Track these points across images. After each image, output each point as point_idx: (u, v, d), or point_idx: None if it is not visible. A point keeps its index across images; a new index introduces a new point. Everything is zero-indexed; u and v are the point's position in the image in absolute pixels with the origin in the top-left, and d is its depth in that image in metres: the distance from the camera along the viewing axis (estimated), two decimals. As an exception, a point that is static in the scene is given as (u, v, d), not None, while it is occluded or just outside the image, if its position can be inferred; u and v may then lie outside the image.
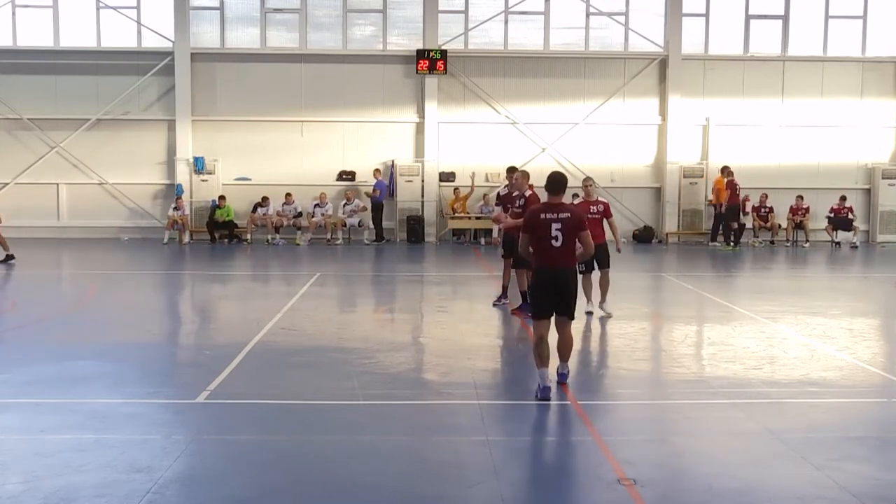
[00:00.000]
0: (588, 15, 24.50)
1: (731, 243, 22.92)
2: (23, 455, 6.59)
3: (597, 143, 24.43)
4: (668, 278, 17.25)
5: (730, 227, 23.12)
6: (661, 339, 11.89)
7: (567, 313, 8.16)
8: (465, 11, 24.39)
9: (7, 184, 24.12)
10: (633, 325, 12.41)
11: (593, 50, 24.61)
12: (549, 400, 7.89)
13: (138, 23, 24.15)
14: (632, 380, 9.28)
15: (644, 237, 23.95)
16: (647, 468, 6.41)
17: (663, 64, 24.41)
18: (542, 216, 8.05)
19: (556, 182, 8.20)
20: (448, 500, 5.87)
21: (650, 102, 24.58)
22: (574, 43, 24.67)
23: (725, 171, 23.02)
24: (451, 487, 6.05)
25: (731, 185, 22.77)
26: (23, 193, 24.01)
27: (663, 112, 24.50)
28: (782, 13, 24.64)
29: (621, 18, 24.50)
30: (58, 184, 24.26)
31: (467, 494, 5.89)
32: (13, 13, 24.07)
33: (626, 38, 24.62)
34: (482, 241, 23.57)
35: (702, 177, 24.25)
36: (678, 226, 24.42)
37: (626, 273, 17.99)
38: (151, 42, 24.19)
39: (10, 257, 18.45)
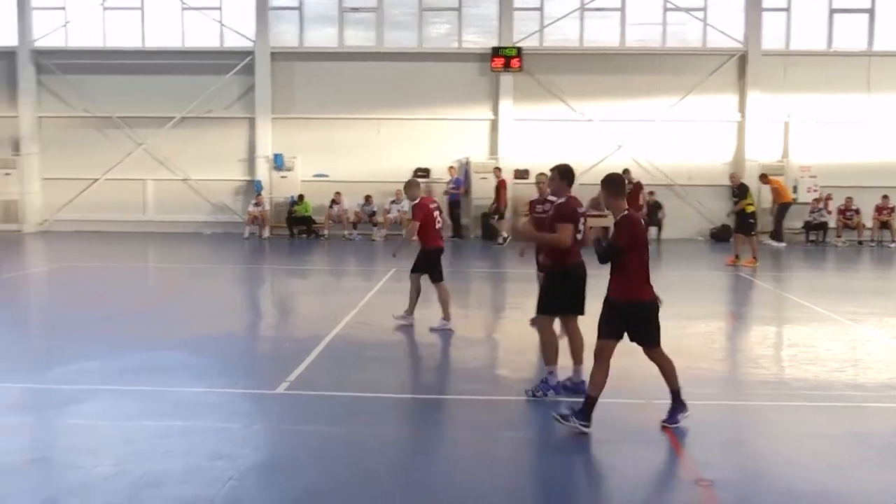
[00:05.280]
0: (665, 10, 24.16)
1: None
2: (112, 440, 6.79)
3: (673, 141, 24.08)
4: (746, 277, 16.90)
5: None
6: (738, 339, 11.67)
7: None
8: (541, 8, 24.28)
9: (97, 179, 24.89)
10: (711, 324, 12.19)
11: (670, 46, 24.27)
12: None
13: (221, 23, 24.67)
14: (709, 380, 9.11)
15: (722, 236, 23.49)
16: (725, 470, 6.29)
17: (742, 60, 23.93)
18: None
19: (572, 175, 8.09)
20: (520, 495, 5.86)
21: (728, 99, 24.12)
22: (651, 39, 24.36)
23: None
24: (523, 483, 6.04)
25: (639, 187, 22.01)
26: (111, 189, 24.78)
27: (742, 109, 24.02)
28: (868, 7, 23.92)
29: (700, 14, 24.10)
30: (144, 180, 24.95)
31: (539, 491, 5.87)
32: (103, 15, 24.82)
33: (705, 34, 24.20)
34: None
35: (782, 175, 23.67)
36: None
37: (704, 272, 17.72)
38: (233, 42, 24.69)
39: None
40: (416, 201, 11.53)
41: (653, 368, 9.13)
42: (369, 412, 7.75)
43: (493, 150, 24.34)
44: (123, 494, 5.65)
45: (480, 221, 23.99)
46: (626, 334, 7.02)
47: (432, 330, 11.16)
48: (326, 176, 24.41)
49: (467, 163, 24.19)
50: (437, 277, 11.36)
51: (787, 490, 5.92)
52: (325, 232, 23.83)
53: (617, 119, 24.11)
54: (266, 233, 23.87)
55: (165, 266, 19.34)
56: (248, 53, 24.41)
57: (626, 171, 21.69)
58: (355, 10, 24.66)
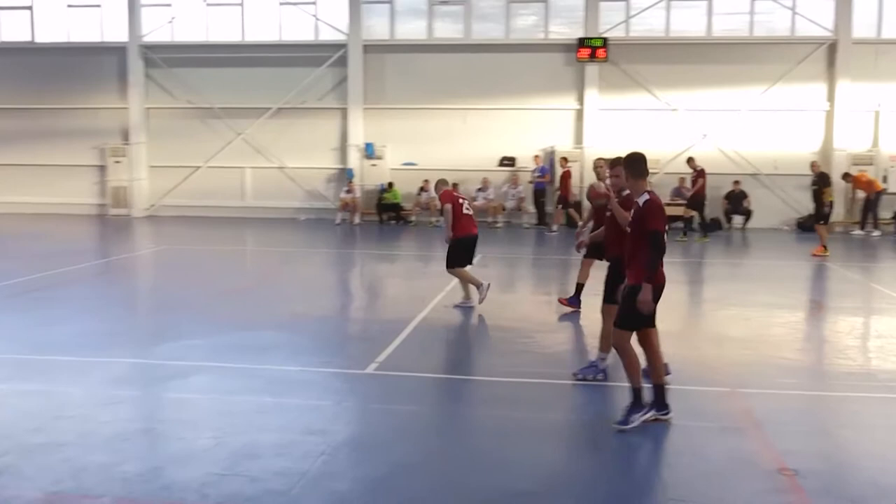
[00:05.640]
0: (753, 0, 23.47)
1: (704, 234, 21.09)
2: (212, 413, 6.99)
3: (759, 130, 23.42)
4: (833, 267, 16.35)
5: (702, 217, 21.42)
6: (824, 329, 11.31)
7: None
8: (627, -1, 23.89)
9: (199, 167, 25.55)
10: (796, 314, 11.86)
11: (758, 35, 23.58)
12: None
13: (315, 17, 24.98)
14: (793, 370, 8.85)
15: (808, 225, 22.73)
16: (809, 459, 6.11)
17: (832, 48, 23.08)
18: None
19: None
20: (602, 479, 5.81)
21: (817, 88, 23.30)
22: (738, 28, 23.70)
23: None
24: (604, 467, 5.99)
25: (703, 174, 20.98)
26: (212, 176, 25.41)
27: (831, 98, 23.18)
28: (964, -7, 22.80)
29: (788, 2, 23.31)
30: (243, 167, 25.50)
31: (622, 474, 5.81)
32: (206, 11, 25.39)
33: (793, 23, 23.42)
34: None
35: (871, 164, 22.78)
36: (843, 214, 23.04)
37: (790, 261, 17.23)
38: (327, 35, 24.97)
39: None
40: (440, 193, 11.94)
41: (735, 356, 8.96)
42: (454, 393, 7.78)
43: (578, 139, 24.08)
44: (223, 465, 5.80)
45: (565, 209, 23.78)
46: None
47: (455, 307, 11.52)
48: (415, 164, 24.53)
49: (552, 151, 24.00)
50: (459, 263, 11.57)
51: (871, 482, 5.72)
52: (413, 218, 24.00)
53: (702, 108, 23.56)
54: (357, 219, 24.15)
55: (262, 249, 19.75)
56: (341, 46, 24.67)
57: (690, 159, 21.20)
58: (444, 3, 24.66)
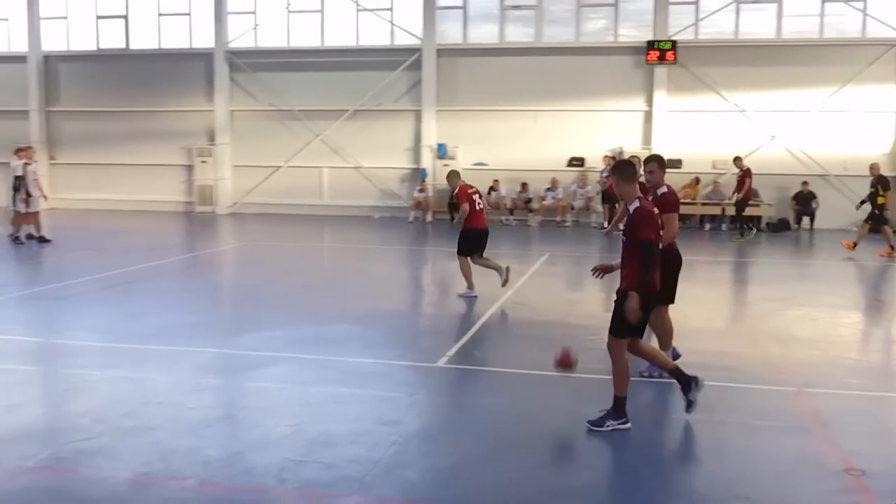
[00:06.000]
0: (823, 2, 22.79)
1: (741, 234, 20.65)
2: (291, 403, 7.11)
3: (829, 131, 22.75)
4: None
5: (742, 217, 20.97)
6: (892, 330, 10.95)
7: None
8: (696, 2, 23.44)
9: (280, 167, 25.98)
10: (863, 315, 11.50)
11: (828, 37, 22.89)
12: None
13: (391, 23, 25.15)
14: (861, 370, 8.59)
15: (876, 226, 21.99)
16: (876, 460, 5.92)
17: (904, 50, 22.30)
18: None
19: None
20: (668, 474, 5.73)
21: (888, 89, 22.52)
22: (807, 31, 23.05)
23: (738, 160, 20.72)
24: (671, 463, 5.90)
25: (749, 174, 20.36)
26: (292, 175, 25.81)
27: (902, 99, 22.40)
28: None
29: (859, 4, 22.58)
30: (320, 167, 25.82)
31: (687, 472, 5.72)
32: (288, 18, 25.80)
33: (864, 24, 22.68)
34: (706, 226, 22.69)
35: (943, 165, 21.95)
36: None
37: (858, 263, 16.70)
38: (402, 40, 25.11)
39: (43, 239, 17.86)
40: (457, 189, 12.15)
41: (802, 356, 8.73)
42: (523, 387, 7.76)
43: (647, 139, 23.75)
44: (300, 452, 5.89)
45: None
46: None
47: (459, 296, 11.91)
48: (486, 164, 24.51)
49: (621, 152, 23.70)
50: (479, 254, 12.02)
51: (942, 485, 5.52)
52: (484, 217, 23.98)
53: (771, 110, 23.00)
54: (429, 217, 24.25)
55: (338, 246, 19.98)
56: (415, 50, 24.80)
57: (737, 158, 20.66)
58: (516, 7, 24.58)
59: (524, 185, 23.87)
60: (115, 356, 8.62)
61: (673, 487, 5.52)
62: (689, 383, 6.62)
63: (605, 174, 23.26)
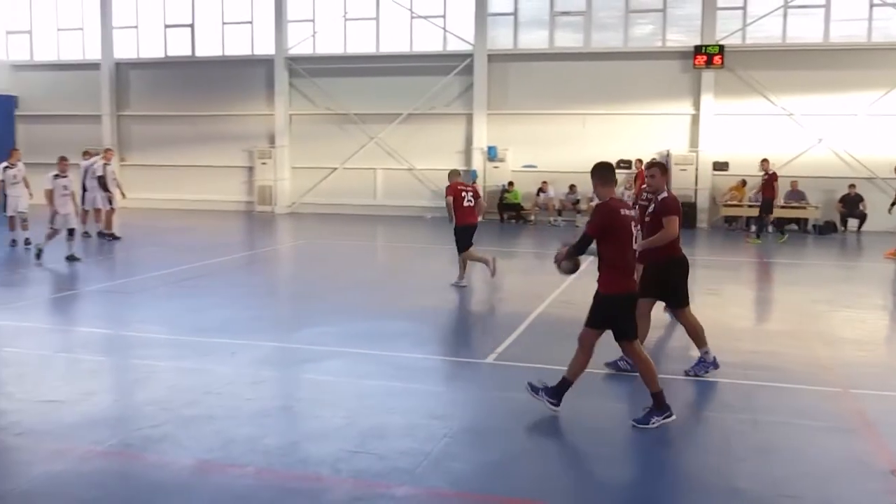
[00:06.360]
0: (872, 6, 22.21)
1: (758, 236, 20.00)
2: (346, 395, 7.15)
3: (878, 134, 22.16)
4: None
5: (763, 219, 20.31)
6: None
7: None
8: (744, 7, 23.02)
9: (336, 168, 26.20)
10: (912, 317, 11.18)
11: (876, 41, 22.30)
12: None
13: (444, 29, 25.18)
14: (908, 372, 8.37)
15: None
16: (924, 463, 5.76)
17: (955, 53, 21.61)
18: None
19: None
20: (713, 471, 5.63)
21: (938, 92, 21.89)
22: (855, 35, 22.48)
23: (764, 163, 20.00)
24: (717, 461, 5.80)
25: (775, 177, 19.70)
26: (347, 176, 26.01)
27: (952, 102, 21.71)
28: None
29: (909, 7, 21.98)
30: (375, 169, 25.97)
31: (733, 469, 5.62)
32: (345, 25, 25.99)
33: (914, 28, 22.07)
34: (752, 228, 22.28)
35: None
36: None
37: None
38: (454, 46, 25.12)
39: (114, 237, 18.22)
40: (448, 186, 12.91)
41: (849, 357, 8.53)
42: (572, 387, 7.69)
43: (694, 142, 23.42)
44: (354, 442, 5.93)
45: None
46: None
47: (452, 285, 12.54)
48: (535, 166, 24.40)
49: (668, 155, 23.42)
50: (464, 248, 12.68)
51: None
52: (533, 218, 23.89)
53: (818, 113, 22.49)
54: (479, 217, 24.15)
55: (391, 245, 20.07)
56: (467, 56, 24.79)
57: (764, 160, 20.15)
58: (565, 13, 24.43)
59: (572, 186, 23.72)
60: (180, 348, 8.77)
61: (718, 485, 5.42)
62: (662, 407, 6.41)
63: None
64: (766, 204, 19.81)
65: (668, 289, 7.80)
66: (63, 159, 15.44)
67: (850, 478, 5.52)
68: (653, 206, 7.76)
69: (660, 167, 7.89)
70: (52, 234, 15.02)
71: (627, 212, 6.49)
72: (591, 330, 6.53)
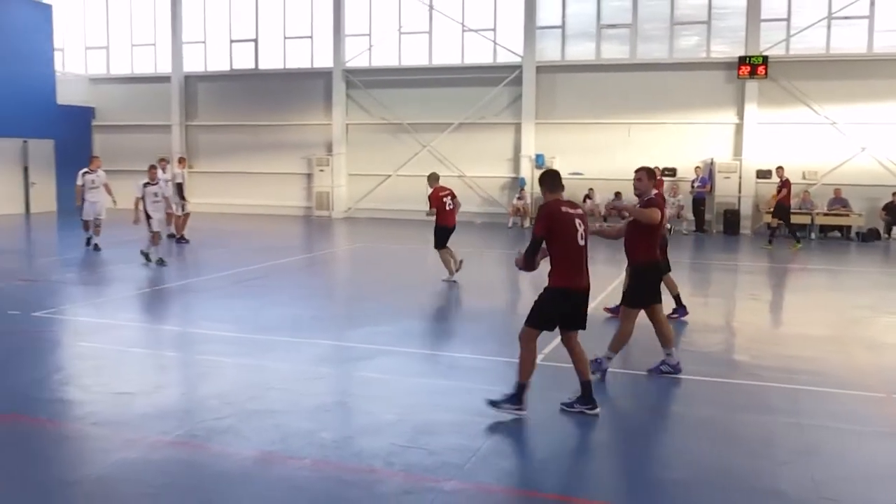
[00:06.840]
0: (918, 16, 21.62)
1: (769, 241, 19.41)
2: (398, 392, 7.19)
3: (921, 143, 21.54)
4: None
5: (770, 225, 19.76)
6: None
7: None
8: (788, 19, 22.58)
9: (390, 175, 26.36)
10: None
11: (922, 50, 21.69)
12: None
13: (494, 42, 25.17)
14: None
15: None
16: (968, 469, 5.57)
17: None
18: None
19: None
20: (756, 475, 5.52)
21: (984, 101, 21.17)
22: (900, 45, 21.90)
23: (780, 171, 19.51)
24: (760, 463, 5.69)
25: (787, 185, 19.14)
26: (401, 184, 26.13)
27: None
28: None
29: (955, 18, 21.31)
30: (427, 176, 25.99)
31: (776, 472, 5.50)
32: (399, 39, 26.15)
33: (960, 38, 21.38)
34: (796, 234, 21.79)
35: None
36: None
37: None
38: (504, 58, 25.11)
39: (183, 239, 18.45)
40: (430, 192, 13.65)
41: (891, 362, 8.29)
42: (613, 386, 7.63)
43: (737, 151, 23.03)
44: (405, 438, 5.96)
45: (723, 217, 22.90)
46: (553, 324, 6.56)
47: (443, 281, 13.02)
48: (581, 174, 24.23)
49: (712, 163, 23.08)
50: (440, 246, 13.45)
51: None
52: (578, 223, 23.70)
53: (861, 122, 21.94)
54: (527, 223, 24.12)
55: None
56: (516, 67, 24.74)
57: (780, 168, 19.60)
58: (612, 26, 24.24)
59: (618, 193, 23.47)
60: (243, 345, 8.91)
61: (761, 487, 5.32)
62: (588, 399, 6.49)
63: (696, 184, 22.71)
64: (782, 210, 19.30)
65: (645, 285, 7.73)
66: (153, 168, 15.54)
67: (892, 482, 5.37)
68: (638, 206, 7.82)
69: (647, 171, 7.93)
70: (155, 237, 15.01)
71: (569, 210, 6.56)
72: (532, 330, 6.53)
